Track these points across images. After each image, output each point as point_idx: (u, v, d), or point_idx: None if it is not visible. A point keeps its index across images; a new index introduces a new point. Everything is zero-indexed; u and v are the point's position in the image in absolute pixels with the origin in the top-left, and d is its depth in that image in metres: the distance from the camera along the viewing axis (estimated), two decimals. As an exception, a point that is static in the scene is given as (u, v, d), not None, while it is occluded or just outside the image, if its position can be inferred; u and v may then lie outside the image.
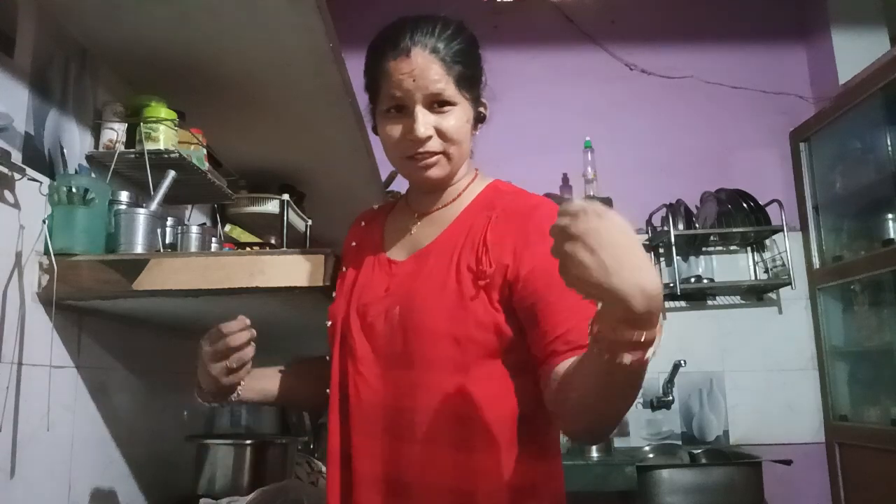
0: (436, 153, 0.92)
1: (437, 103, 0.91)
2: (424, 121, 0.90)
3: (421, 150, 0.92)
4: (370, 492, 0.87)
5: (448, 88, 0.91)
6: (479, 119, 0.99)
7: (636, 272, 0.56)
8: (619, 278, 0.56)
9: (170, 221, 1.45)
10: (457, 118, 0.92)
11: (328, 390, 0.97)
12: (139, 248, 1.29)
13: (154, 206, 1.33)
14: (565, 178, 2.83)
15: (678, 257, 2.79)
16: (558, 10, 3.15)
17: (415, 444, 0.85)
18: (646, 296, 0.56)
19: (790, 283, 2.73)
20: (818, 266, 2.83)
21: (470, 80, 0.94)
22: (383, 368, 0.90)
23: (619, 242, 0.57)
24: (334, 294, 1.05)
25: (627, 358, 0.59)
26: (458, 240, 0.93)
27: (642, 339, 0.58)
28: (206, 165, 1.55)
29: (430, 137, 0.91)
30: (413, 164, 0.93)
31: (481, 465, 0.84)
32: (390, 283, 0.95)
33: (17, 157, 1.15)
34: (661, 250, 2.92)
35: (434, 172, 0.94)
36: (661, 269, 2.92)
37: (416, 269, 0.94)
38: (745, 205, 2.79)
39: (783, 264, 2.80)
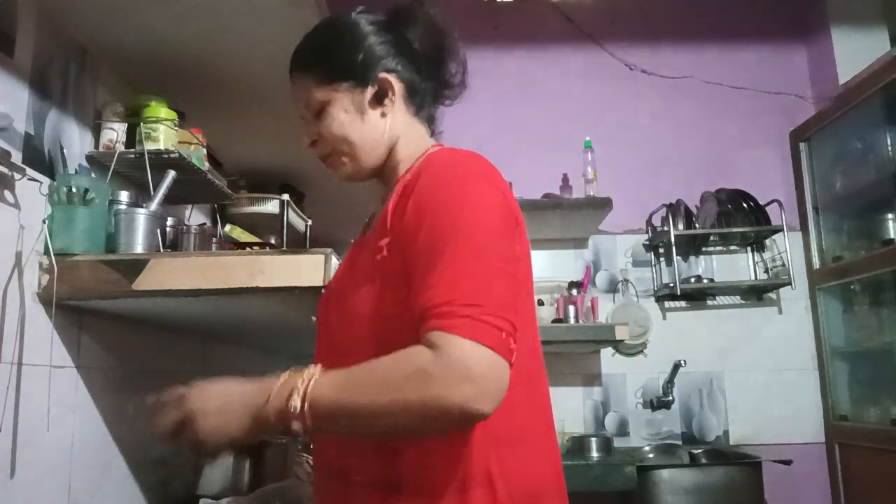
0: (327, 155, 0.95)
1: (315, 111, 0.93)
2: (306, 132, 0.96)
3: (318, 157, 0.96)
4: (322, 481, 0.87)
5: (313, 94, 0.93)
6: (378, 97, 0.92)
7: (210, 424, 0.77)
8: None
9: (170, 221, 1.45)
10: (330, 117, 0.92)
11: None
12: (139, 248, 1.29)
13: (154, 206, 1.33)
14: (565, 179, 2.83)
15: (678, 257, 2.79)
16: (558, 10, 3.15)
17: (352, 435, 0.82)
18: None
19: (790, 283, 2.73)
20: (818, 266, 2.83)
21: (336, 70, 0.92)
22: (327, 357, 0.88)
23: (205, 406, 0.78)
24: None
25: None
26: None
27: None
28: (206, 165, 1.55)
29: (313, 143, 0.95)
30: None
31: (409, 450, 0.78)
32: (346, 273, 0.95)
33: (17, 157, 1.15)
34: (661, 250, 2.92)
35: (339, 173, 0.96)
36: (661, 269, 2.93)
37: (356, 257, 0.93)
38: (745, 205, 2.79)
39: (783, 264, 2.80)
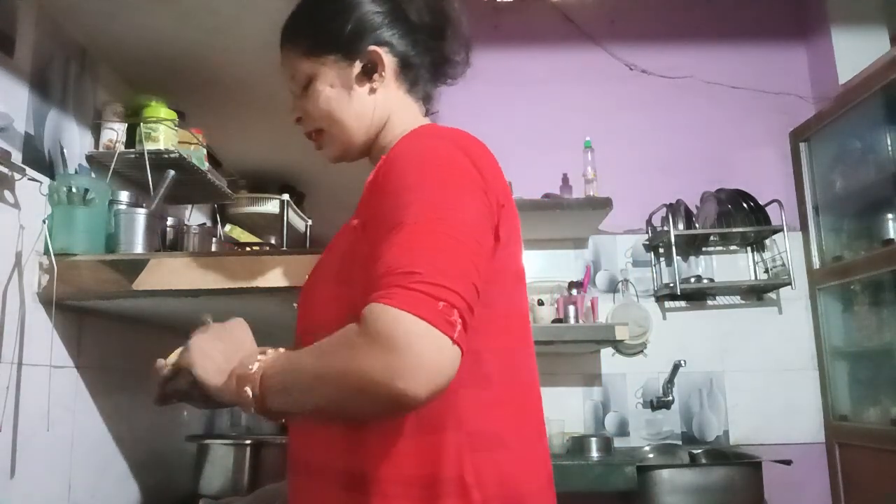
0: (311, 132, 0.92)
1: (301, 86, 0.90)
2: (293, 107, 0.92)
3: (304, 134, 0.93)
4: (293, 473, 0.83)
5: (299, 67, 0.89)
6: (367, 72, 0.87)
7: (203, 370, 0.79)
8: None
9: (170, 221, 1.45)
10: (315, 92, 0.88)
11: None
12: (139, 248, 1.29)
13: (154, 206, 1.33)
14: (565, 179, 2.83)
15: (678, 257, 2.79)
16: (558, 10, 3.15)
17: (318, 424, 0.78)
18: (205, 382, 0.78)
19: (790, 283, 2.73)
20: (818, 266, 2.83)
21: (323, 41, 0.87)
22: (298, 344, 0.85)
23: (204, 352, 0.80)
24: None
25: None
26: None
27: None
28: (206, 165, 1.55)
29: (298, 120, 0.92)
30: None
31: (373, 445, 0.71)
32: (324, 257, 0.91)
33: (17, 157, 1.15)
34: (661, 250, 2.92)
35: (324, 152, 0.93)
36: (661, 269, 2.93)
37: (335, 241, 0.89)
38: (745, 205, 2.79)
39: (783, 264, 2.80)
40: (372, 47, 0.87)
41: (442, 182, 0.71)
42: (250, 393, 0.71)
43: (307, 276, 0.91)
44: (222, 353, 0.78)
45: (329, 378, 0.65)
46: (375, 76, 0.88)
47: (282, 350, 0.76)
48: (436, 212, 0.68)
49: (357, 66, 0.87)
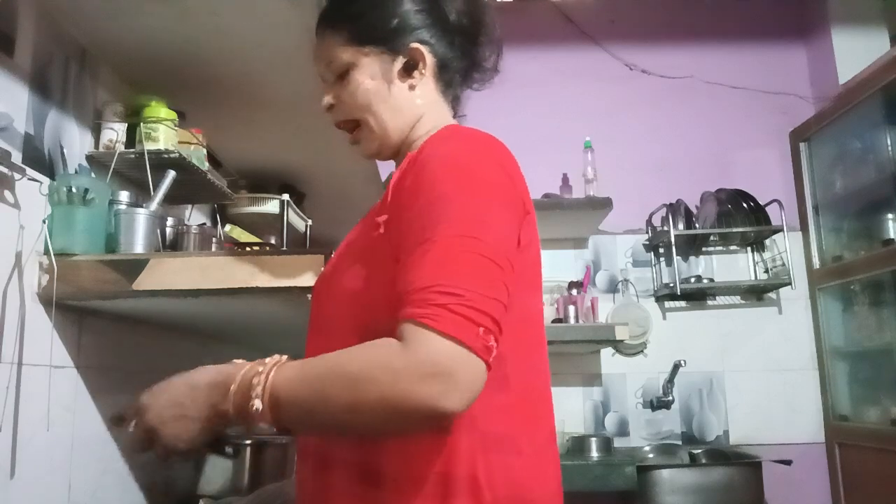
0: (345, 122, 0.90)
1: (338, 74, 0.88)
2: (326, 94, 0.90)
3: (335, 123, 0.91)
4: (303, 464, 0.83)
5: (338, 55, 0.87)
6: (408, 68, 0.87)
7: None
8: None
9: (170, 221, 1.45)
10: (354, 82, 0.86)
11: None
12: (139, 248, 1.29)
13: (154, 206, 1.33)
14: (565, 178, 2.83)
15: (678, 257, 2.79)
16: (558, 10, 3.15)
17: None
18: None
19: (790, 283, 2.73)
20: (818, 266, 2.83)
21: (368, 32, 0.87)
22: (310, 336, 0.86)
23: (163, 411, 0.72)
24: None
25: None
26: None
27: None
28: (206, 165, 1.55)
29: (331, 107, 0.90)
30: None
31: (389, 442, 0.72)
32: (342, 251, 0.90)
33: (17, 157, 1.15)
34: (661, 250, 2.92)
35: (361, 147, 0.91)
36: (661, 269, 2.93)
37: (355, 235, 0.88)
38: (745, 205, 2.79)
39: (783, 264, 2.80)
40: (415, 44, 0.87)
41: (475, 194, 0.71)
42: (266, 426, 0.68)
43: (322, 269, 0.90)
44: (176, 404, 0.71)
45: (367, 404, 0.64)
46: (416, 73, 0.88)
47: (277, 358, 0.71)
48: (471, 228, 0.68)
49: (400, 61, 0.87)
